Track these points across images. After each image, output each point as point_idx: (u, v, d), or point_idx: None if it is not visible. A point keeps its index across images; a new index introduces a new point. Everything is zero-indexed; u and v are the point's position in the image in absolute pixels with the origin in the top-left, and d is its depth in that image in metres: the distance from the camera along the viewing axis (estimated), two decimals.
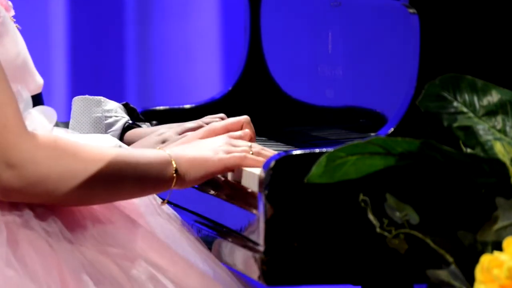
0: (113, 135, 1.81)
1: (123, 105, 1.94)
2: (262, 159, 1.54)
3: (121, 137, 1.85)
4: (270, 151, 1.63)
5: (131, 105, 1.95)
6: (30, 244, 1.35)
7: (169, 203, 1.64)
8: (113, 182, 1.38)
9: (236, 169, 1.60)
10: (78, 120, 1.86)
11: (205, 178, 1.54)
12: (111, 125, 1.86)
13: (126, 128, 1.87)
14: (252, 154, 1.56)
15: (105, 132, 1.85)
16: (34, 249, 1.34)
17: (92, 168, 1.35)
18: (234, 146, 1.56)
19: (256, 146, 1.60)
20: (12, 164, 1.30)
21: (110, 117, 1.86)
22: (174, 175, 1.46)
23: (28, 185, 1.32)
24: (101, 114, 1.86)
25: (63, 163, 1.33)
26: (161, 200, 1.56)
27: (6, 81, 1.34)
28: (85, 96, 1.89)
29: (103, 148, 1.42)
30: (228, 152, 1.53)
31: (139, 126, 1.93)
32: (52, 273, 1.33)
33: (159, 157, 1.46)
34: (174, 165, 1.46)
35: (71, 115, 1.89)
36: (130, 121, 1.90)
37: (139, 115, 1.96)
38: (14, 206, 1.36)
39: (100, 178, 1.36)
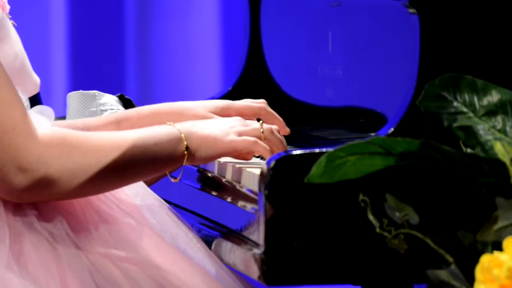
0: None
1: (118, 96, 1.94)
2: (270, 150, 1.53)
3: None
4: (280, 133, 1.61)
5: (126, 96, 1.95)
6: (33, 248, 1.34)
7: (169, 203, 1.64)
8: (126, 168, 1.38)
9: (236, 169, 1.60)
10: (74, 116, 1.86)
11: (214, 157, 1.52)
12: None
13: None
14: (263, 133, 1.55)
15: None
16: (37, 254, 1.34)
17: (103, 159, 1.35)
18: (246, 126, 1.54)
19: (267, 126, 1.58)
20: (24, 167, 1.30)
21: (106, 110, 1.86)
22: (185, 152, 1.45)
23: (41, 186, 1.32)
24: (96, 108, 1.86)
25: (75, 159, 1.33)
26: (163, 200, 1.56)
27: (11, 84, 1.34)
28: (79, 91, 1.89)
29: (112, 136, 1.41)
30: (240, 134, 1.52)
31: None
32: (54, 278, 1.33)
33: (170, 134, 1.45)
34: (185, 142, 1.44)
35: (67, 111, 1.89)
36: None
37: (135, 106, 1.96)
38: (19, 207, 1.35)
39: (113, 167, 1.36)
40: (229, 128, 1.51)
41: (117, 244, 1.39)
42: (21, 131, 1.29)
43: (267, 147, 1.54)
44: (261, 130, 1.56)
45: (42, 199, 1.35)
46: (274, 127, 1.61)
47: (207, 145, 1.45)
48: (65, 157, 1.33)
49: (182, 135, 1.44)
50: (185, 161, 1.46)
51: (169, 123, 1.47)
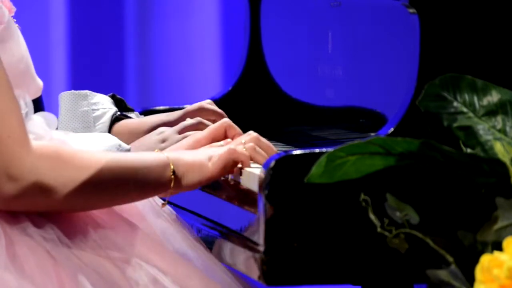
0: (101, 128, 1.81)
1: (110, 96, 1.94)
2: (249, 156, 1.55)
3: (109, 129, 1.85)
4: (265, 150, 1.62)
5: (118, 96, 1.95)
6: (28, 250, 1.35)
7: (169, 203, 1.64)
8: (115, 188, 1.39)
9: (236, 169, 1.60)
10: (66, 115, 1.86)
11: (200, 183, 1.54)
12: (98, 117, 1.85)
13: (114, 120, 1.87)
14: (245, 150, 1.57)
15: (94, 125, 1.85)
16: (32, 255, 1.34)
17: (94, 176, 1.35)
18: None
19: (250, 142, 1.59)
20: (14, 176, 1.30)
21: (98, 109, 1.86)
22: (172, 176, 1.46)
23: (30, 196, 1.32)
24: (88, 108, 1.86)
25: (66, 174, 1.33)
26: (161, 202, 1.56)
27: (11, 90, 1.34)
28: (71, 91, 1.89)
29: (104, 154, 1.42)
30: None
31: (128, 117, 1.93)
32: (51, 278, 1.33)
33: (158, 159, 1.46)
34: (172, 167, 1.46)
35: (59, 112, 1.89)
36: (118, 113, 1.90)
37: (127, 105, 1.96)
38: (11, 214, 1.36)
39: (103, 185, 1.37)
40: (212, 152, 1.53)
41: (114, 247, 1.39)
42: (16, 140, 1.30)
43: (246, 153, 1.55)
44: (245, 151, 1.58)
45: (30, 208, 1.35)
46: (253, 135, 1.62)
47: (193, 170, 1.47)
48: (56, 170, 1.33)
49: (169, 161, 1.45)
50: (172, 185, 1.47)
51: (156, 150, 1.50)
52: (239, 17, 3.21)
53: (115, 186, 1.40)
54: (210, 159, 1.51)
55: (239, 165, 1.57)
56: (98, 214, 1.42)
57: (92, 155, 1.40)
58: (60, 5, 4.22)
